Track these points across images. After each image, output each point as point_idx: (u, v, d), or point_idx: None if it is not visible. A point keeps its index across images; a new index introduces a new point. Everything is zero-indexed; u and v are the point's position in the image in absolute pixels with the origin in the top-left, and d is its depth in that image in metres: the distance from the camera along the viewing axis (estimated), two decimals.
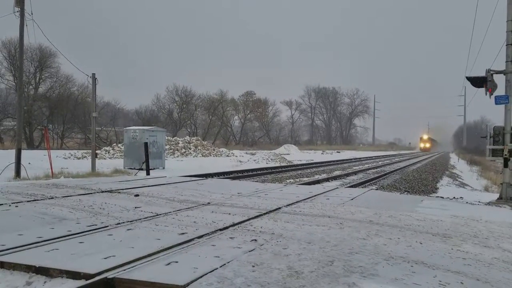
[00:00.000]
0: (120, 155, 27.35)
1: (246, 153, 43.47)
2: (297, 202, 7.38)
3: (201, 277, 3.12)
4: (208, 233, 4.64)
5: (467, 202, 9.24)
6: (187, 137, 40.54)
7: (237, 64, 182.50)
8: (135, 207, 6.35)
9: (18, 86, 18.33)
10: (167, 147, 29.65)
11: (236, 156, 36.14)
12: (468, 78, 10.49)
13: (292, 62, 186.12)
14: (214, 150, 37.86)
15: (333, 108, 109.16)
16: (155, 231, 4.71)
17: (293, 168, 24.11)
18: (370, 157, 46.09)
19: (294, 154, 46.89)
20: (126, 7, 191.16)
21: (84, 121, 52.16)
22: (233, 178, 15.30)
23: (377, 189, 13.58)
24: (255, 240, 4.37)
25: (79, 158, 28.70)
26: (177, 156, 32.77)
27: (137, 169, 17.93)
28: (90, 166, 17.30)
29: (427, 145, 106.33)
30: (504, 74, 10.07)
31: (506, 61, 10.03)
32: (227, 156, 36.88)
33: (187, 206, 6.59)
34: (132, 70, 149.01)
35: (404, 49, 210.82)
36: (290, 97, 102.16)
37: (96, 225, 5.00)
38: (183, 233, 4.61)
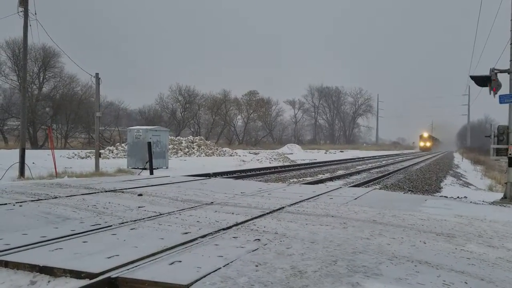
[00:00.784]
0: (124, 155, 27.40)
1: (249, 153, 43.48)
2: (300, 201, 7.37)
3: (204, 276, 3.12)
4: (211, 233, 4.64)
5: (471, 202, 9.20)
6: (190, 136, 40.57)
7: (238, 64, 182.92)
8: (139, 207, 6.36)
9: (22, 86, 18.38)
10: (170, 146, 29.68)
11: (239, 156, 36.13)
12: (472, 77, 10.45)
13: (293, 62, 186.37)
14: (217, 149, 37.88)
15: (336, 107, 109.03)
16: (159, 231, 4.72)
17: (296, 167, 24.09)
18: (373, 156, 45.99)
19: (297, 154, 46.88)
20: (126, 7, 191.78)
21: (87, 121, 52.25)
22: (236, 178, 15.30)
23: (380, 189, 13.55)
24: (259, 239, 4.37)
25: (82, 158, 28.78)
26: (181, 156, 32.80)
27: (140, 168, 17.95)
28: (93, 166, 17.34)
29: (428, 144, 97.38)
30: (509, 73, 10.02)
31: (511, 60, 9.98)
32: (230, 155, 36.89)
33: (190, 206, 6.59)
34: (134, 70, 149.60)
35: (406, 49, 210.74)
36: (293, 97, 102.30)
37: (99, 224, 5.01)
38: (186, 233, 4.61)
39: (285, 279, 3.13)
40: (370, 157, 44.15)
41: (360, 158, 40.01)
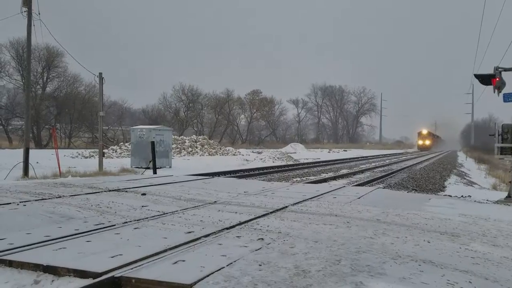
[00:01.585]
0: (127, 154, 27.46)
1: (253, 152, 43.49)
2: (303, 200, 7.36)
3: (208, 276, 3.12)
4: (214, 232, 4.64)
5: (475, 201, 9.16)
6: (194, 136, 40.58)
7: (241, 63, 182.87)
8: (142, 206, 6.37)
9: (26, 85, 18.46)
10: (173, 146, 29.72)
11: (243, 155, 36.15)
12: (476, 76, 10.41)
13: (296, 61, 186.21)
14: (220, 149, 37.89)
15: (339, 106, 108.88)
16: (162, 230, 4.72)
17: (299, 166, 24.07)
18: (377, 155, 45.89)
19: (300, 153, 46.89)
20: (128, 7, 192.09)
21: (91, 120, 52.47)
22: (240, 177, 15.31)
23: (384, 188, 13.52)
24: (262, 239, 4.36)
25: (86, 157, 28.88)
26: (184, 155, 32.84)
27: (144, 168, 17.99)
28: (97, 165, 17.39)
29: (427, 142, 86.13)
30: None
31: None
32: (234, 155, 36.91)
33: (194, 205, 6.59)
34: (137, 70, 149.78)
35: (409, 48, 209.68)
36: (296, 96, 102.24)
37: (103, 224, 5.02)
38: (190, 232, 4.61)
39: (289, 278, 3.13)
40: (373, 156, 44.06)
41: (363, 157, 39.94)
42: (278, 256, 3.72)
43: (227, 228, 4.87)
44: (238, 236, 4.47)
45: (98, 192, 7.93)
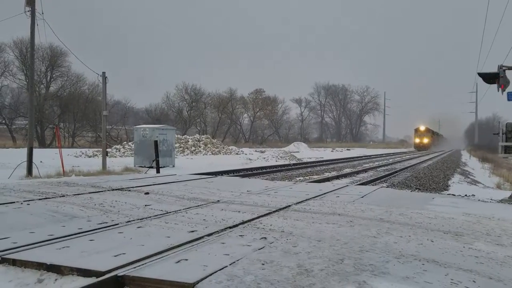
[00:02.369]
0: (131, 153, 27.50)
1: (256, 151, 43.48)
2: (306, 200, 7.35)
3: (211, 275, 3.12)
4: (217, 231, 4.64)
5: (479, 200, 9.13)
6: (197, 135, 40.66)
7: (244, 62, 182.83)
8: (145, 205, 6.38)
9: (29, 85, 18.51)
10: (177, 145, 29.76)
11: (246, 154, 36.15)
12: (480, 74, 10.36)
13: (299, 60, 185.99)
14: (223, 148, 37.92)
15: (343, 105, 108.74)
16: (165, 229, 4.73)
17: (302, 166, 24.03)
18: (380, 154, 45.78)
19: (303, 152, 46.84)
20: (126, 7, 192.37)
21: (94, 120, 52.59)
22: (243, 176, 15.30)
23: (387, 187, 13.49)
24: (265, 238, 4.36)
25: (90, 156, 28.95)
26: (187, 154, 32.87)
27: (147, 167, 18.00)
28: (101, 164, 17.41)
29: (425, 140, 71.86)
30: None
31: None
32: (237, 154, 36.92)
33: (197, 204, 6.60)
34: (140, 69, 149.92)
35: (412, 47, 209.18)
36: (300, 95, 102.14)
37: (106, 223, 5.03)
38: (192, 231, 4.61)
39: (292, 277, 3.12)
40: (377, 155, 43.95)
41: (367, 156, 39.85)
42: (281, 255, 3.72)
43: (230, 227, 4.87)
44: (241, 235, 4.47)
45: (102, 191, 7.94)
